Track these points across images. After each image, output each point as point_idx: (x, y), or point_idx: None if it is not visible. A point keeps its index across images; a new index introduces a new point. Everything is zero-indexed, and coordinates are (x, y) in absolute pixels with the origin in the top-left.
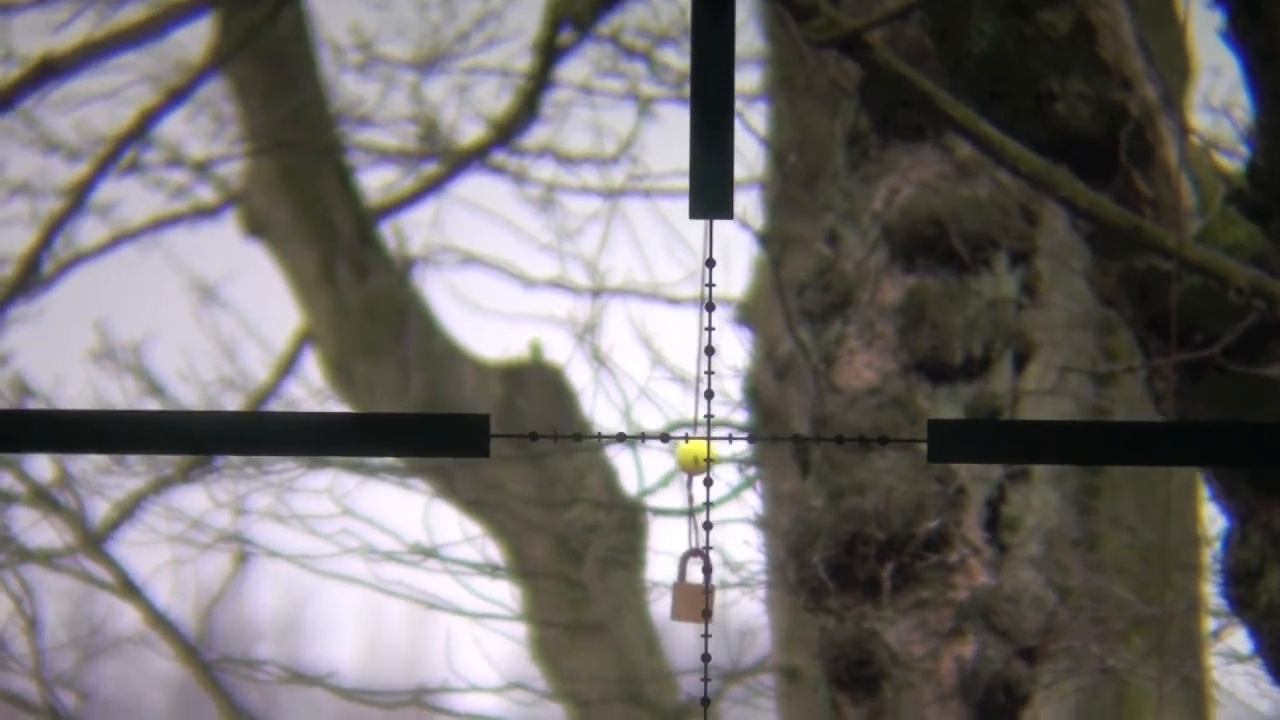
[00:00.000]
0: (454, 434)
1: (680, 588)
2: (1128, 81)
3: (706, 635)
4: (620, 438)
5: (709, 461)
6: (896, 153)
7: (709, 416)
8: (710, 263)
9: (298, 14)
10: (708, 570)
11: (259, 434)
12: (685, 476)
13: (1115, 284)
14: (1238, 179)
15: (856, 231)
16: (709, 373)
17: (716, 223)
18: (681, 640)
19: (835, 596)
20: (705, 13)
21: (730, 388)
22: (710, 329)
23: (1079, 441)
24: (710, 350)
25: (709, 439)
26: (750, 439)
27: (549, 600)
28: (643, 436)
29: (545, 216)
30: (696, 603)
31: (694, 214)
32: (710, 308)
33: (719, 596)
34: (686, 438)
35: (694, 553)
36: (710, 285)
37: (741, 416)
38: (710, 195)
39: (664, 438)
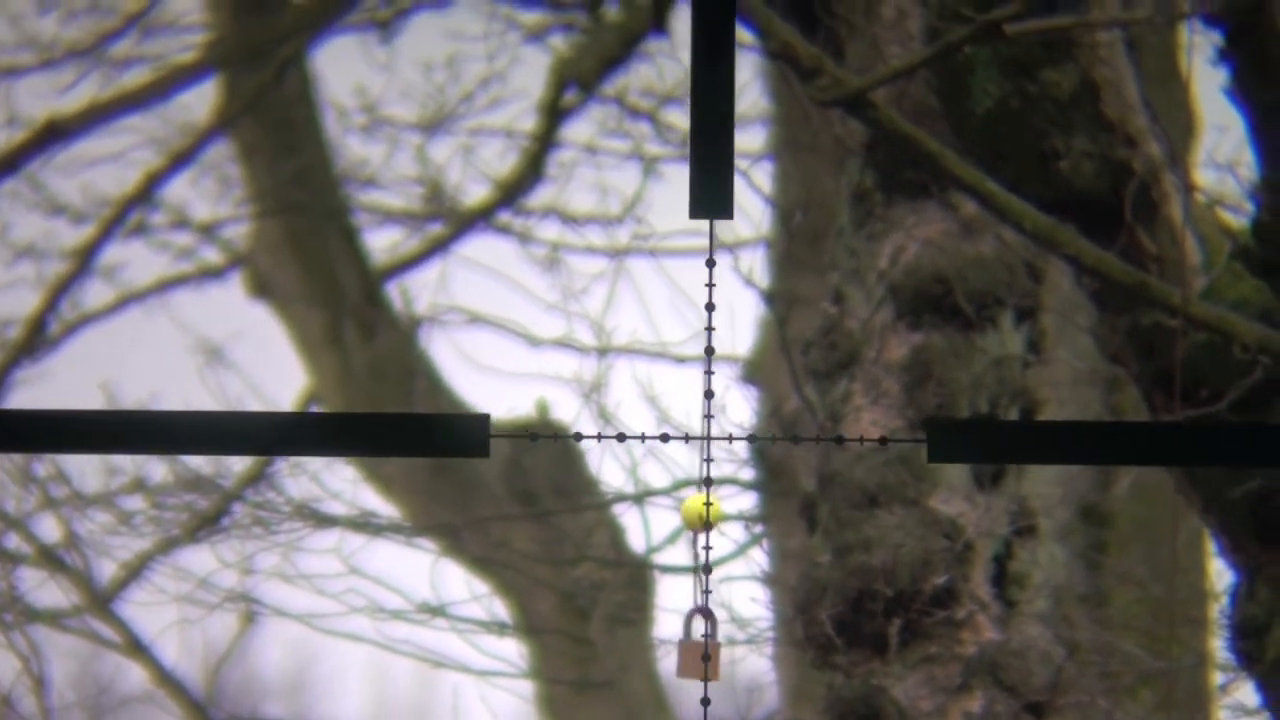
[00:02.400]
0: (454, 434)
1: (686, 645)
2: (1132, 139)
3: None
4: (620, 437)
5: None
6: (901, 211)
7: (709, 416)
8: (710, 263)
9: (302, 76)
10: (709, 617)
11: (259, 434)
12: (691, 534)
13: (1121, 340)
14: (1243, 235)
15: (862, 289)
16: (709, 373)
17: (720, 245)
18: (688, 697)
19: (843, 653)
20: (705, 11)
21: (737, 446)
22: (710, 328)
23: (1079, 441)
24: (710, 350)
25: (708, 438)
26: (750, 439)
27: (556, 658)
28: (643, 437)
29: (551, 276)
30: (701, 659)
31: (694, 214)
32: (710, 308)
33: (726, 654)
34: (686, 437)
35: (699, 610)
36: (711, 285)
37: (747, 475)
38: (710, 195)
39: (664, 438)
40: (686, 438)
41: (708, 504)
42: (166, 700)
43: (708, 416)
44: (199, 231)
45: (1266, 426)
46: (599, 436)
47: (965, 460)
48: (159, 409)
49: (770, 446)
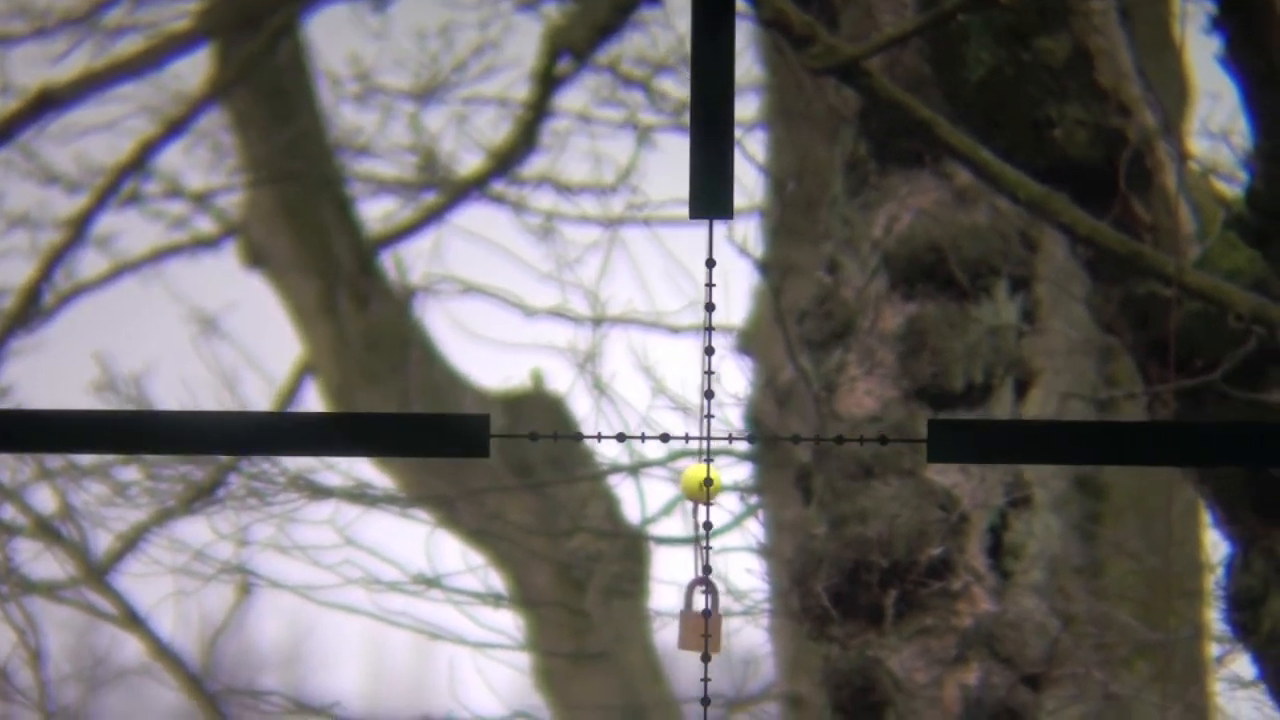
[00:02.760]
0: (454, 434)
1: (687, 616)
2: (1126, 108)
3: (706, 636)
4: (620, 438)
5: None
6: (895, 180)
7: (709, 416)
8: (710, 263)
9: (295, 45)
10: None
11: (259, 435)
12: (690, 504)
13: (1115, 310)
14: (1237, 204)
15: (856, 259)
16: (709, 373)
17: (720, 241)
18: (685, 669)
19: (839, 624)
20: (704, 8)
21: (732, 415)
22: (710, 328)
23: (1079, 441)
24: (710, 350)
25: (709, 438)
26: (750, 439)
27: (552, 629)
28: (643, 437)
29: (545, 246)
30: (703, 632)
31: (694, 214)
32: (710, 308)
33: (723, 625)
34: (686, 438)
35: (700, 581)
36: (711, 285)
37: (743, 445)
38: (710, 195)
39: (664, 438)
40: (686, 438)
41: (708, 481)
42: (163, 672)
43: (708, 416)
44: (193, 200)
45: (1264, 426)
46: (599, 436)
47: (965, 460)
48: (159, 409)
49: (764, 417)
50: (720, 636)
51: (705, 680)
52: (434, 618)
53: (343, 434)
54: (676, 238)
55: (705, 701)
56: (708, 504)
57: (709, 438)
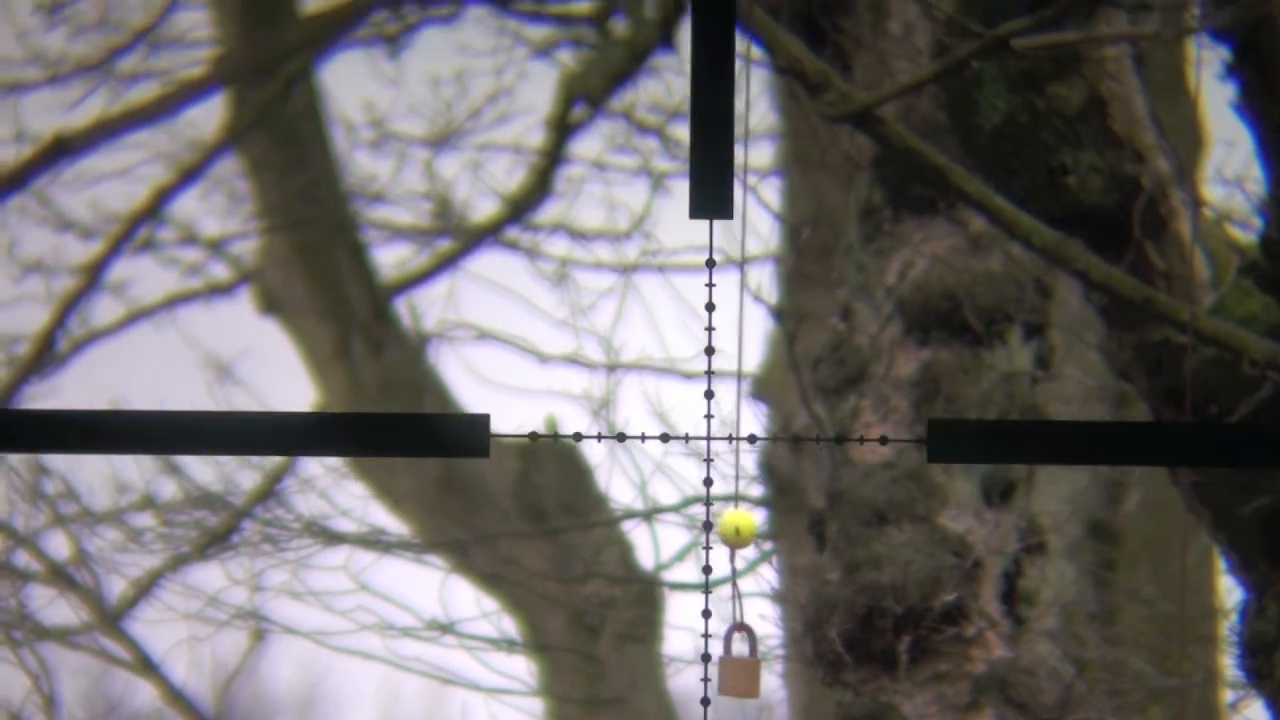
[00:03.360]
0: (455, 434)
1: (728, 662)
2: (1140, 154)
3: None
4: (620, 438)
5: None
6: (910, 226)
7: (709, 416)
8: (710, 263)
9: (310, 91)
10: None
11: (261, 435)
12: (729, 549)
13: (1130, 357)
14: (1252, 251)
15: (870, 305)
16: (709, 372)
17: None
18: (697, 715)
19: (852, 670)
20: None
21: (746, 462)
22: (710, 328)
23: (1079, 442)
24: (711, 350)
25: (709, 438)
26: (751, 439)
27: (566, 675)
28: (642, 437)
29: (559, 292)
30: (745, 676)
31: (694, 214)
32: (710, 308)
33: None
34: (686, 438)
35: (739, 626)
36: (711, 285)
37: (756, 491)
38: (710, 195)
39: (664, 438)
40: (686, 438)
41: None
42: (176, 718)
43: (708, 416)
44: (207, 247)
45: (1268, 428)
46: (599, 437)
47: (965, 460)
48: (164, 409)
49: (778, 463)
50: (758, 680)
51: (705, 680)
52: (447, 663)
53: (345, 434)
54: (690, 284)
55: (705, 702)
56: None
57: (710, 438)
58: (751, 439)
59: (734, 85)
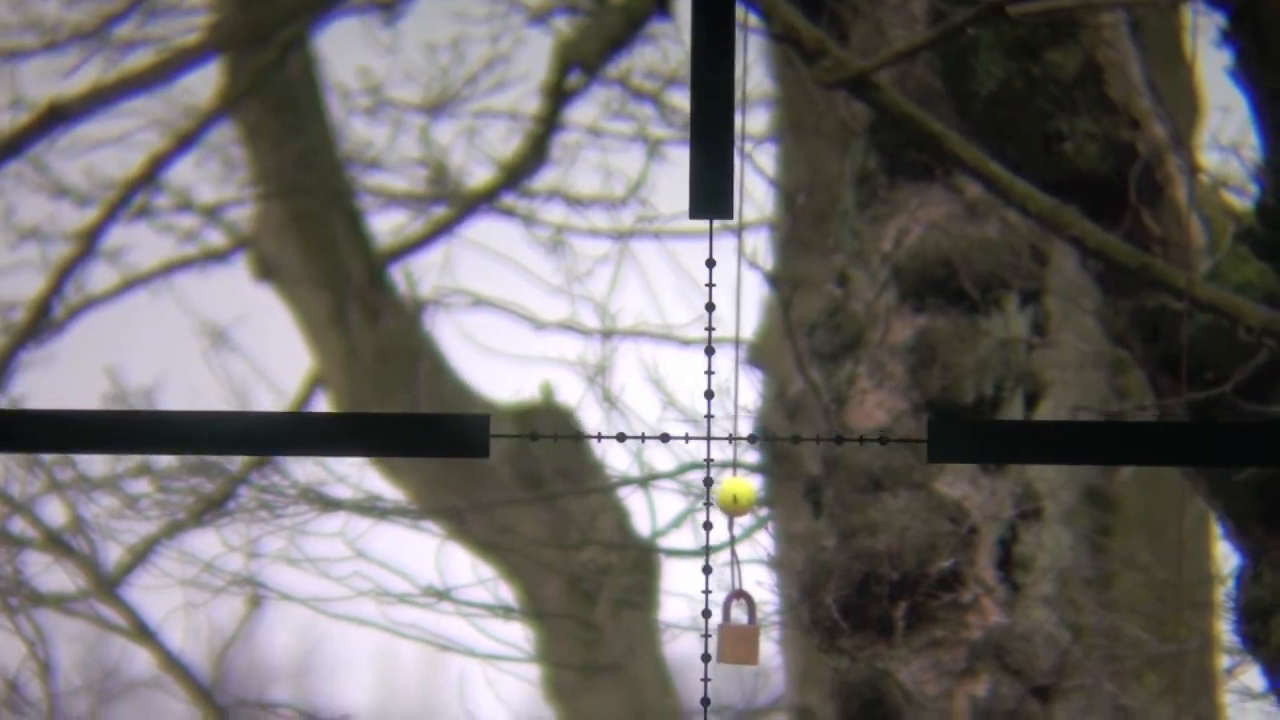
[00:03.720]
0: (455, 434)
1: (727, 630)
2: (1136, 121)
3: (706, 636)
4: (620, 437)
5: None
6: (905, 193)
7: (709, 416)
8: (710, 263)
9: (306, 58)
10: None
11: (262, 434)
12: (726, 517)
13: (1126, 323)
14: (1247, 217)
15: (866, 272)
16: (709, 372)
17: (724, 246)
18: (694, 680)
19: (848, 636)
20: (704, 6)
21: (742, 428)
22: (711, 328)
23: (1080, 441)
24: (711, 350)
25: (709, 438)
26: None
27: (562, 641)
28: (643, 437)
29: (555, 259)
30: (744, 644)
31: (694, 214)
32: (710, 307)
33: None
34: (687, 438)
35: (738, 594)
36: (711, 285)
37: (752, 457)
38: (710, 195)
39: (664, 438)
40: (687, 438)
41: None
42: (173, 685)
43: (708, 416)
44: (203, 214)
45: (1267, 423)
46: (599, 436)
47: (964, 460)
48: (162, 409)
49: (771, 442)
50: (757, 647)
51: (706, 680)
52: (444, 630)
53: (343, 434)
54: (686, 251)
55: (705, 702)
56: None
57: (710, 438)
58: (752, 439)
59: (734, 86)
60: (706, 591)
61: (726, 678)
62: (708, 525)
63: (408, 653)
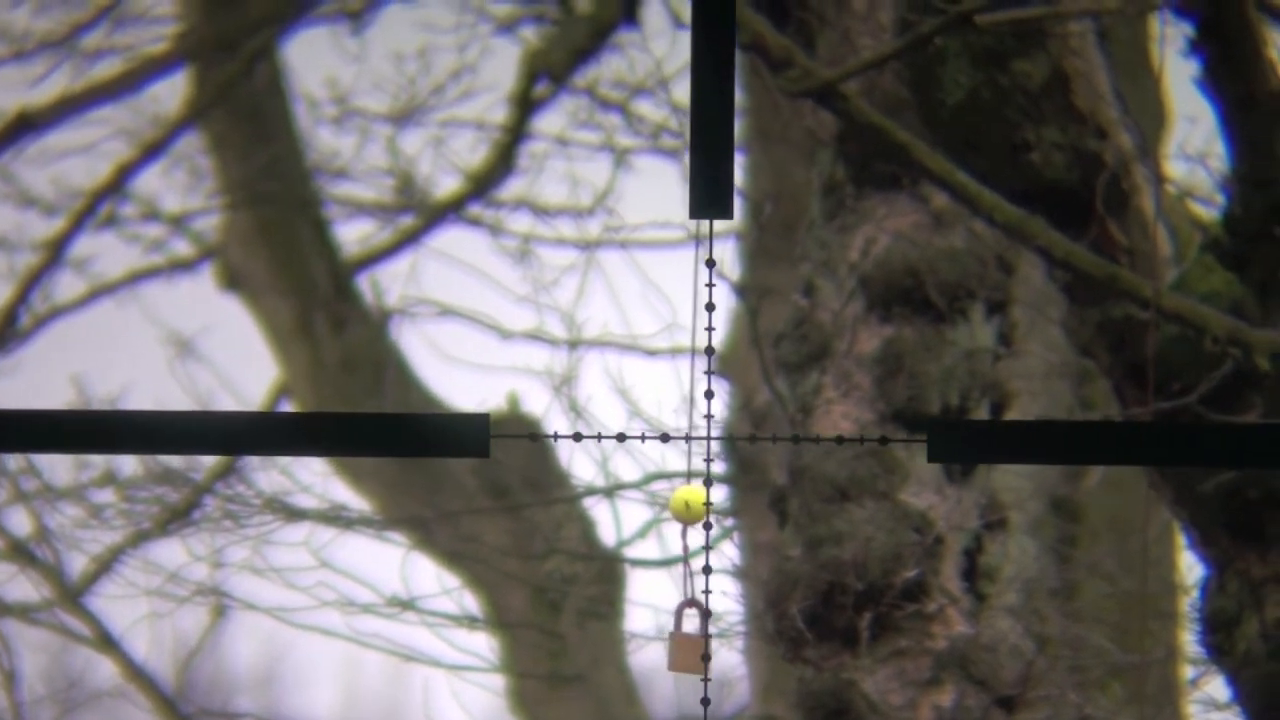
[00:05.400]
0: (454, 435)
1: (677, 638)
2: (1103, 130)
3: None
4: (620, 438)
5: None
6: (872, 203)
7: (709, 416)
8: (710, 263)
9: (273, 68)
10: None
11: (256, 434)
12: (680, 525)
13: (1092, 333)
14: (1214, 227)
15: (833, 282)
16: (709, 372)
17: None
18: (660, 690)
19: (813, 646)
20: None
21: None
22: (711, 328)
23: (1078, 441)
24: (711, 350)
25: (709, 438)
26: (751, 439)
27: (527, 651)
28: (643, 437)
29: (522, 268)
30: (693, 653)
31: (693, 214)
32: (710, 308)
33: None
34: (687, 437)
35: (689, 603)
36: (711, 285)
37: (718, 468)
38: (709, 195)
39: (664, 438)
40: (688, 437)
41: (709, 504)
42: (137, 695)
43: (708, 416)
44: (170, 223)
45: (1260, 426)
46: (599, 437)
47: (964, 460)
48: (142, 409)
49: (751, 445)
50: (707, 657)
51: (705, 680)
52: (409, 640)
53: (343, 434)
54: (653, 261)
55: (705, 702)
56: (705, 526)
57: (710, 438)
58: (752, 438)
59: (734, 86)
60: (707, 591)
61: (690, 688)
62: (708, 525)
63: (372, 663)
